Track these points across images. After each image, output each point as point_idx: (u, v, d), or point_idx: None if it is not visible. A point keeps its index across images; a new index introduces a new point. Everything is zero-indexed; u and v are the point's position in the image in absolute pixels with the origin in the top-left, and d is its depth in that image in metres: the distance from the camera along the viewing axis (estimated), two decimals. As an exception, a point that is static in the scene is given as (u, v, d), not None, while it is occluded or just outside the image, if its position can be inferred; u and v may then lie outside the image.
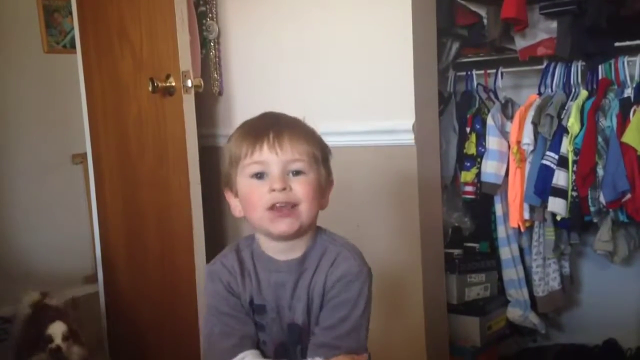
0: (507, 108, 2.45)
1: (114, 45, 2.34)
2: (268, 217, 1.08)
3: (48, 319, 2.06)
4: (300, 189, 1.08)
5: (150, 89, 2.10)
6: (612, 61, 2.18)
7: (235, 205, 1.15)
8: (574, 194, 2.15)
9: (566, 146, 2.17)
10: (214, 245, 2.03)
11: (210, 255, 1.70)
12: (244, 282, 1.14)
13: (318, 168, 1.11)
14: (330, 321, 1.10)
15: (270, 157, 1.07)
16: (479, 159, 2.39)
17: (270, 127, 1.09)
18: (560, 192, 2.16)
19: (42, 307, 2.21)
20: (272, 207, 1.07)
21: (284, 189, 1.06)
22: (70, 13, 2.80)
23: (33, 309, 2.21)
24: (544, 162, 2.20)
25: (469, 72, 2.50)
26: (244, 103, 2.30)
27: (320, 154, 1.12)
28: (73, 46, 2.72)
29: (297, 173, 1.08)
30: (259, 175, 1.08)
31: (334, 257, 1.13)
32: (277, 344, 1.12)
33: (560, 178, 2.16)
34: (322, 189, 1.13)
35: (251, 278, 1.14)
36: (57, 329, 2.02)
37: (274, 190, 1.06)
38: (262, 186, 1.08)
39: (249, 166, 1.08)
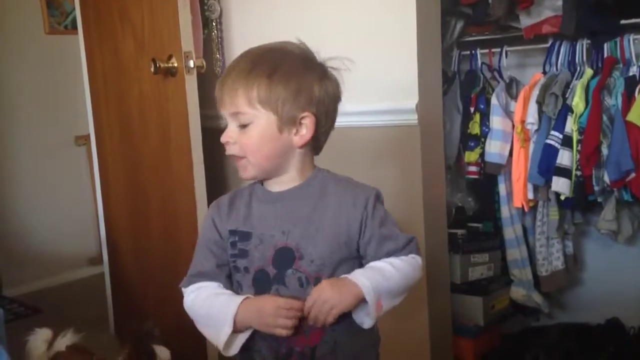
0: (512, 87, 2.44)
1: (116, 26, 2.33)
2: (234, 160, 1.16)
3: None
4: (243, 142, 1.12)
5: (152, 69, 2.10)
6: (618, 39, 2.16)
7: None
8: (578, 173, 2.15)
9: (570, 125, 2.15)
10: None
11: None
12: (230, 214, 1.18)
13: (270, 112, 1.10)
14: (385, 233, 1.15)
15: (222, 111, 1.14)
16: (482, 139, 2.38)
17: (225, 75, 1.14)
18: (564, 172, 2.16)
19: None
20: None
21: (227, 143, 1.13)
22: (71, -6, 2.78)
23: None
24: (548, 141, 2.19)
25: (473, 51, 2.48)
26: (246, 83, 2.29)
27: (275, 93, 1.09)
28: (74, 27, 2.71)
29: (242, 126, 1.12)
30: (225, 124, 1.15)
31: (343, 184, 1.18)
32: (257, 270, 1.14)
33: (565, 157, 2.15)
34: (279, 130, 1.11)
35: (239, 209, 1.18)
36: None
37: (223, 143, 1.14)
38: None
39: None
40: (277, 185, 1.17)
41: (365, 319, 1.11)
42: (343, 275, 1.10)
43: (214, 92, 1.14)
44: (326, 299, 1.06)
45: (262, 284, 1.14)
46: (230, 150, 1.13)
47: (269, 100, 1.09)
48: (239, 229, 1.16)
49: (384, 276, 1.10)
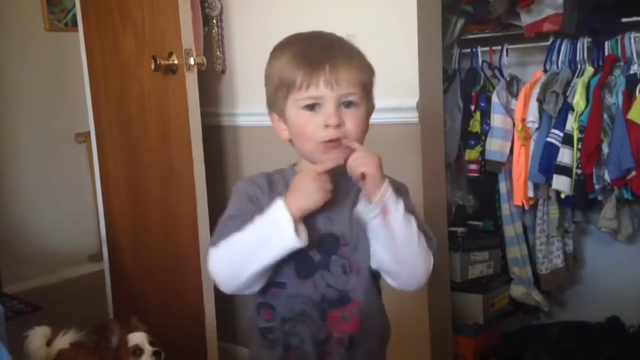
0: (512, 85, 2.44)
1: (116, 23, 2.32)
2: (321, 149, 1.09)
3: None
4: (352, 123, 1.08)
5: (152, 67, 2.09)
6: (619, 37, 2.16)
7: (280, 130, 1.15)
8: (579, 171, 2.15)
9: (571, 123, 2.15)
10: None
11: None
12: (271, 194, 1.13)
13: (368, 98, 1.12)
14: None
15: (326, 92, 1.06)
16: (483, 137, 2.38)
17: (327, 59, 1.07)
18: (565, 170, 2.16)
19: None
20: (326, 141, 1.08)
21: (338, 125, 1.07)
22: (71, -10, 2.78)
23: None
24: (549, 139, 2.19)
25: (473, 49, 2.48)
26: (246, 81, 2.29)
27: (370, 81, 1.12)
28: (75, 24, 2.70)
29: (349, 105, 1.08)
30: (312, 107, 1.08)
31: None
32: (299, 254, 1.09)
33: (565, 156, 2.15)
34: (369, 117, 1.14)
35: (280, 192, 1.12)
36: None
37: (328, 125, 1.06)
38: (315, 118, 1.08)
39: (303, 100, 1.08)
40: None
41: (373, 207, 1.06)
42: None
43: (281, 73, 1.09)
44: (372, 167, 1.05)
45: (306, 268, 1.11)
46: (333, 134, 1.07)
47: (369, 86, 1.12)
48: None
49: (407, 216, 1.08)
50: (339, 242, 1.12)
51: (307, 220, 1.08)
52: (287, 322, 1.13)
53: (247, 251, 1.07)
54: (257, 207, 1.11)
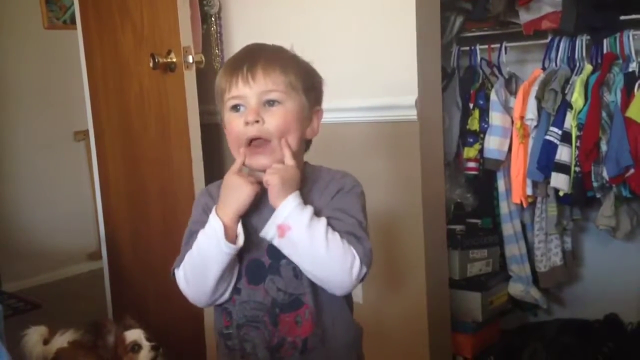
0: (511, 83, 2.44)
1: (115, 21, 2.32)
2: (248, 152, 1.11)
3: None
4: (274, 120, 1.09)
5: (151, 65, 2.09)
6: (617, 35, 2.16)
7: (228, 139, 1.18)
8: (577, 169, 2.15)
9: (570, 121, 2.15)
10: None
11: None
12: None
13: (298, 97, 1.12)
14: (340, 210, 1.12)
15: (245, 90, 1.09)
16: (482, 135, 2.38)
17: (246, 60, 1.11)
18: (563, 168, 2.16)
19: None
20: (250, 143, 1.10)
21: (257, 121, 1.08)
22: (70, -12, 2.78)
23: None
24: (547, 137, 2.19)
25: (472, 47, 2.48)
26: (245, 79, 2.29)
27: (301, 82, 1.12)
28: (73, 22, 2.70)
29: (271, 103, 1.09)
30: (237, 108, 1.11)
31: (329, 178, 1.16)
32: (251, 259, 1.13)
33: (564, 153, 2.15)
34: (303, 118, 1.13)
35: None
36: None
37: (247, 123, 1.08)
38: (238, 118, 1.10)
39: (228, 101, 1.11)
40: None
41: (268, 228, 1.07)
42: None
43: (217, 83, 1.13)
44: (276, 178, 1.06)
45: (257, 274, 1.13)
46: (252, 131, 1.09)
47: (298, 87, 1.11)
48: None
49: (312, 225, 1.05)
50: None
51: (253, 225, 1.10)
52: (241, 328, 1.15)
53: (200, 265, 1.12)
54: (207, 216, 1.12)
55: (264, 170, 1.10)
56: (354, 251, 1.07)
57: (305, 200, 1.09)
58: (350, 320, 1.20)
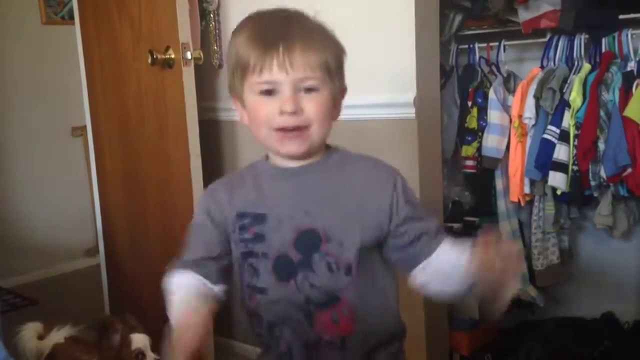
0: (509, 82, 2.44)
1: (113, 17, 2.32)
2: (275, 137, 1.01)
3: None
4: (312, 109, 1.00)
5: (149, 61, 2.09)
6: (616, 34, 2.16)
7: (242, 115, 1.08)
8: (575, 168, 2.15)
9: (568, 120, 2.16)
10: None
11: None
12: (232, 199, 1.09)
13: (332, 81, 1.02)
14: (415, 215, 1.06)
15: (280, 76, 0.98)
16: (480, 133, 2.38)
17: (281, 38, 0.98)
18: (561, 167, 2.16)
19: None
20: (281, 128, 1.01)
21: (295, 112, 0.99)
22: (68, -16, 2.77)
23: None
24: (545, 136, 2.19)
25: (471, 45, 2.48)
26: (244, 76, 2.28)
27: (335, 62, 1.03)
28: (71, 17, 2.70)
29: (309, 90, 1.00)
30: (268, 92, 1.00)
31: (364, 162, 1.11)
32: (276, 256, 1.04)
33: (561, 152, 2.16)
34: (335, 101, 1.05)
35: (246, 191, 1.08)
36: None
37: (284, 112, 0.99)
38: (271, 104, 1.00)
39: (258, 84, 1.00)
40: (292, 161, 1.06)
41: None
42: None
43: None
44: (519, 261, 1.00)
45: (285, 271, 1.04)
46: (289, 122, 0.99)
47: (332, 68, 1.02)
48: (249, 212, 1.06)
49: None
50: (320, 239, 1.02)
51: (276, 215, 1.04)
52: (275, 328, 1.07)
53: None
54: (210, 220, 1.11)
55: (290, 157, 1.03)
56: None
57: (344, 192, 1.04)
58: (395, 314, 1.10)
